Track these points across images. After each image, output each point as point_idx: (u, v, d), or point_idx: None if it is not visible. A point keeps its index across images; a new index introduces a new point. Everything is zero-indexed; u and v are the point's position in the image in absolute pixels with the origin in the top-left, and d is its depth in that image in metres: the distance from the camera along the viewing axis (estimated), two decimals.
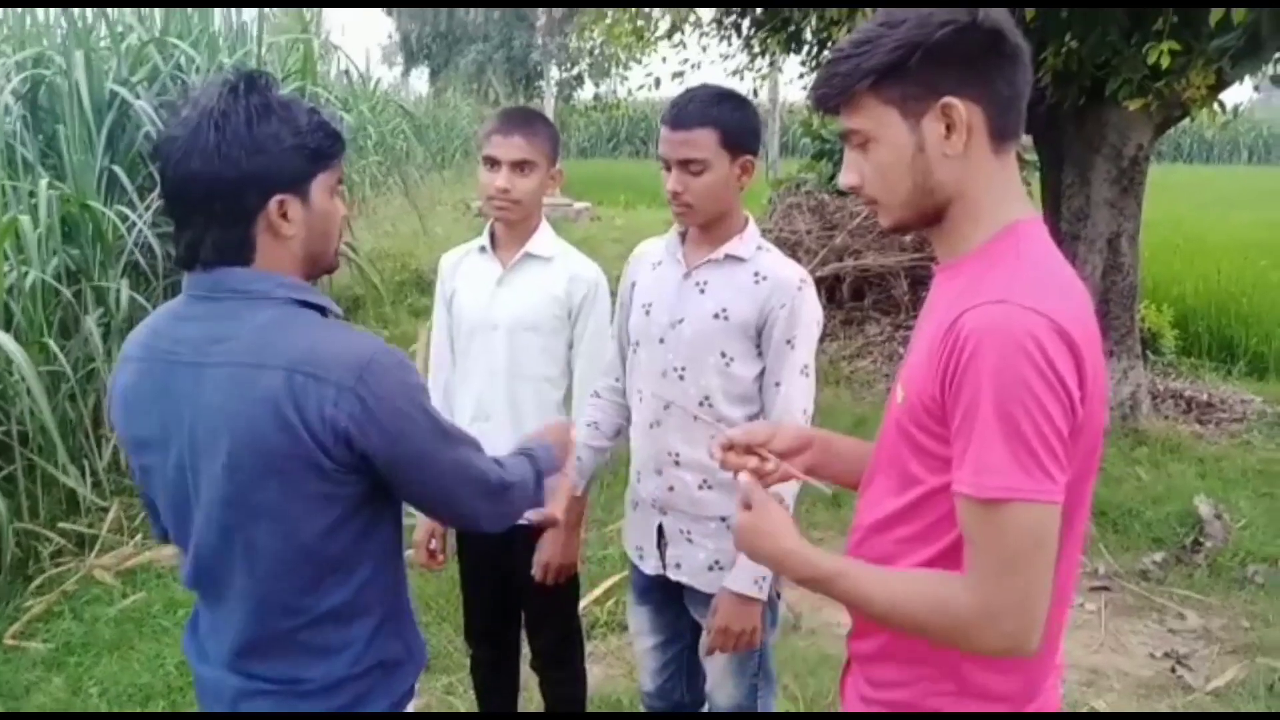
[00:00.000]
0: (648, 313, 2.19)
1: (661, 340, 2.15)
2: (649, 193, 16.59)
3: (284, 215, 1.38)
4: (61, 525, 4.04)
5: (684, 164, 2.03)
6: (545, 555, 2.37)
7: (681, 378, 2.12)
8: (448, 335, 2.49)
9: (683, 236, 2.19)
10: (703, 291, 2.12)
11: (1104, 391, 1.27)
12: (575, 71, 26.98)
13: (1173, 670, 3.43)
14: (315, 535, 1.39)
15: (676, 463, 2.15)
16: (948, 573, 1.22)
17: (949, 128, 1.23)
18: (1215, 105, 4.95)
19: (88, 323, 4.39)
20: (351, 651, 1.47)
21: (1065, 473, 1.16)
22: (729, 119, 2.03)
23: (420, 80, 32.49)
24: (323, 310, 1.44)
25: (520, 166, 2.29)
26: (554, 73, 26.25)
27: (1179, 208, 13.62)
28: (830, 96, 1.29)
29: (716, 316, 2.09)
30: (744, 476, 1.46)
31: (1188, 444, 5.51)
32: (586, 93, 26.06)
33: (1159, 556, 4.23)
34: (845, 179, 1.33)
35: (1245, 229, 12.08)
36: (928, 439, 1.25)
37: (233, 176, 1.34)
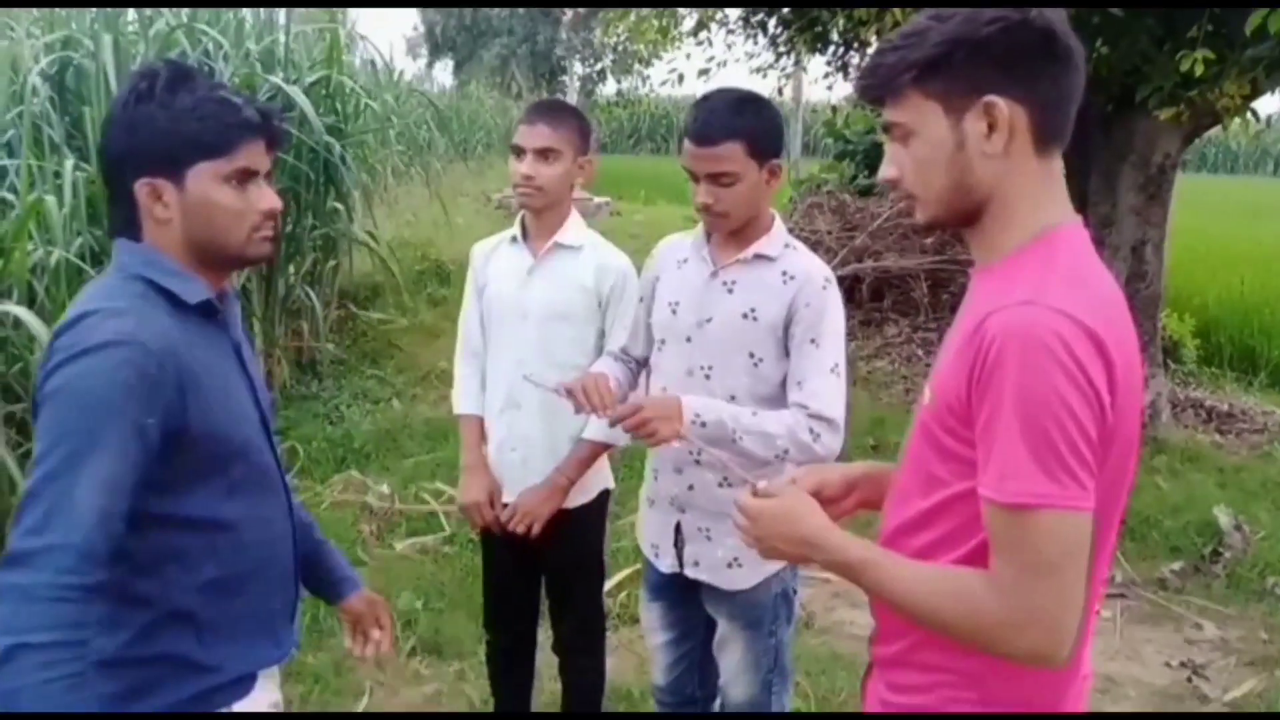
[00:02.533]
0: (674, 311, 2.18)
1: (689, 339, 2.14)
2: (669, 189, 16.56)
3: (158, 198, 1.41)
4: None
5: (714, 177, 2.01)
6: (520, 500, 2.38)
7: (708, 377, 2.11)
8: (479, 323, 2.51)
9: (709, 235, 2.18)
10: (730, 291, 2.11)
11: (1139, 400, 1.24)
12: (598, 67, 27.01)
13: (1189, 680, 3.41)
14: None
15: (697, 461, 2.14)
16: (979, 573, 1.20)
17: (991, 127, 1.21)
18: (1249, 114, 4.90)
19: None
20: (127, 634, 1.41)
21: (1094, 478, 1.13)
22: (753, 127, 2.01)
23: (444, 72, 32.69)
24: (173, 296, 1.41)
25: (544, 154, 2.30)
26: (577, 68, 26.30)
27: (1203, 217, 13.50)
28: (874, 88, 1.27)
29: (745, 316, 2.08)
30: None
31: (1207, 454, 5.46)
32: (609, 88, 26.10)
33: (1177, 566, 4.20)
34: (885, 172, 1.32)
35: (1270, 240, 11.97)
36: (953, 441, 1.23)
37: (110, 155, 1.43)
